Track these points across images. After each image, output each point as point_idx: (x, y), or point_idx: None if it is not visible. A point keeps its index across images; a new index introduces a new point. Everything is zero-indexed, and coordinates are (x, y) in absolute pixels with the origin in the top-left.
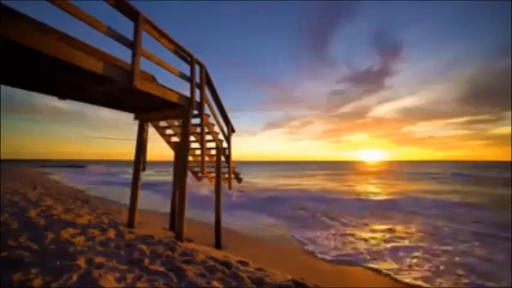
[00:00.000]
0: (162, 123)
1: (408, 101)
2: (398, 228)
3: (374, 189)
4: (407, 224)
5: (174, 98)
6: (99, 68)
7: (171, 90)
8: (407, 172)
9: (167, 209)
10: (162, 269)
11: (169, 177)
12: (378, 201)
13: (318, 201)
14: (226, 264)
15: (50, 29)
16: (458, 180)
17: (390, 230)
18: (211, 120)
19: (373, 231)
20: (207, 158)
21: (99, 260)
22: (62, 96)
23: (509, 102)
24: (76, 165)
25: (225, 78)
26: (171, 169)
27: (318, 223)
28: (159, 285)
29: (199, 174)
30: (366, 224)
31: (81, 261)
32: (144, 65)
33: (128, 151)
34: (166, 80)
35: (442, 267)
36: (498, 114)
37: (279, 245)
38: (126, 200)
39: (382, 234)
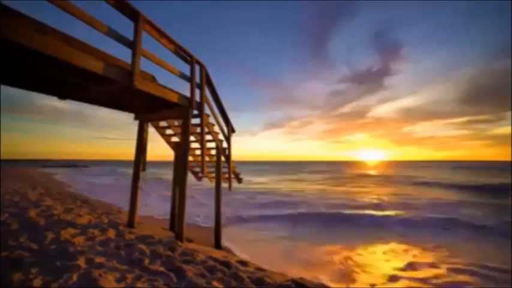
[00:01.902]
0: (162, 123)
1: (408, 101)
2: None
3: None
4: None
5: (174, 98)
6: (99, 68)
7: (171, 90)
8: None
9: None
10: (162, 269)
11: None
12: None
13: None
14: (226, 264)
15: (50, 29)
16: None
17: None
18: (211, 120)
19: None
20: (207, 158)
21: (99, 260)
22: (62, 96)
23: (509, 102)
24: (77, 165)
25: (225, 78)
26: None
27: None
28: (159, 285)
29: (200, 174)
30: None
31: (81, 261)
32: (144, 65)
33: (128, 151)
34: (166, 80)
35: None
36: (498, 114)
37: None
38: (124, 202)
39: None
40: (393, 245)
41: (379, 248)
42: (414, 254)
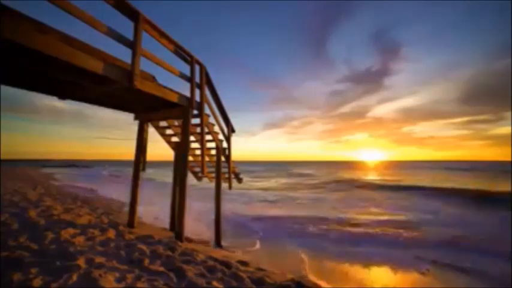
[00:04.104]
0: (162, 123)
1: (408, 101)
2: None
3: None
4: None
5: (174, 98)
6: (99, 68)
7: (171, 90)
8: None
9: None
10: (162, 269)
11: None
12: None
13: None
14: (226, 264)
15: (50, 29)
16: None
17: None
18: (211, 120)
19: None
20: (207, 158)
21: (99, 260)
22: (62, 96)
23: (509, 102)
24: (77, 165)
25: (224, 78)
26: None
27: None
28: (159, 285)
29: (200, 174)
30: None
31: (81, 261)
32: (144, 65)
33: (128, 151)
34: (166, 80)
35: None
36: (498, 114)
37: None
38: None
39: None
40: None
41: None
42: None
